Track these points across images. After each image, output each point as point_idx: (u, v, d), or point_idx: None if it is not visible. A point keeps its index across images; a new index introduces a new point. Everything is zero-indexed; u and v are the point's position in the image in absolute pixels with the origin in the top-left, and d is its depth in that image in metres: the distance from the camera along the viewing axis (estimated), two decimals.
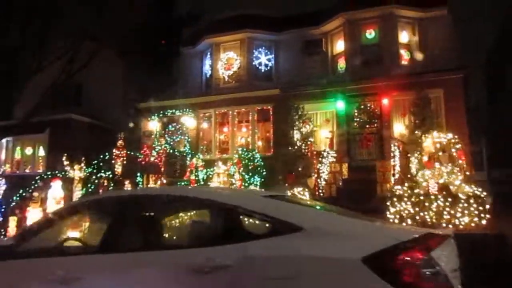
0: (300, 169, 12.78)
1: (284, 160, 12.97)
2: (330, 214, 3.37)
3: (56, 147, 17.75)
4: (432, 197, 9.31)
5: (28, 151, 19.28)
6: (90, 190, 12.30)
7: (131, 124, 16.80)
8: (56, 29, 16.77)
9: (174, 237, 3.60)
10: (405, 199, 9.53)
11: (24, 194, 12.31)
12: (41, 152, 18.84)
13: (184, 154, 15.22)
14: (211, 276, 2.93)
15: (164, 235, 3.63)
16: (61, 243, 3.94)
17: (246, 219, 3.21)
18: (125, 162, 15.48)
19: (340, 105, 14.80)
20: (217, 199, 3.27)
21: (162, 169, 13.85)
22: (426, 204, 9.11)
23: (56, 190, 13.17)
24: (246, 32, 17.93)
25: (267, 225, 3.11)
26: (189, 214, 3.73)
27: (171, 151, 14.81)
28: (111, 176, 13.17)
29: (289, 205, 3.41)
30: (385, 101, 14.22)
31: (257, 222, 3.17)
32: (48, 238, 4.06)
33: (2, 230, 11.61)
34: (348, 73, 16.19)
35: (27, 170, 18.97)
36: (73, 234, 4.31)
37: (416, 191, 9.57)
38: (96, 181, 12.67)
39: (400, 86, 14.16)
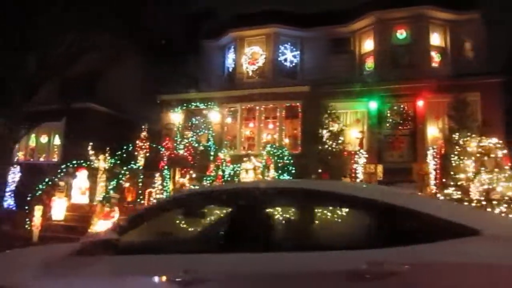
0: (331, 168, 12.46)
1: (318, 158, 12.61)
2: (506, 218, 3.02)
3: (73, 136, 17.30)
4: (485, 202, 9.00)
5: (43, 139, 18.80)
6: (118, 181, 11.86)
7: (153, 117, 16.35)
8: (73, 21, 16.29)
9: (320, 237, 3.21)
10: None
11: (50, 182, 11.87)
12: (57, 140, 18.37)
13: (209, 148, 14.83)
14: (374, 284, 2.57)
15: (307, 234, 3.25)
16: (173, 238, 3.56)
17: (409, 219, 2.84)
18: (147, 154, 15.10)
19: (372, 105, 14.47)
20: (377, 198, 2.90)
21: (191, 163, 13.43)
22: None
23: (81, 180, 12.78)
24: (273, 27, 17.57)
25: (437, 227, 2.74)
26: (333, 211, 3.35)
27: (196, 144, 14.40)
28: (140, 168, 12.74)
29: (454, 205, 3.05)
30: (420, 103, 13.90)
31: (423, 223, 2.81)
32: (152, 232, 3.69)
33: (27, 220, 11.18)
34: (377, 73, 15.86)
35: (41, 159, 18.50)
36: (182, 228, 3.94)
37: (469, 196, 9.24)
38: (125, 172, 12.23)
39: (436, 88, 13.86)
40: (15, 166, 15.83)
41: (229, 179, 13.57)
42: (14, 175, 14.97)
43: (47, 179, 12.00)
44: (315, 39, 17.71)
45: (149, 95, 17.56)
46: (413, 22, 15.93)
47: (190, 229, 4.20)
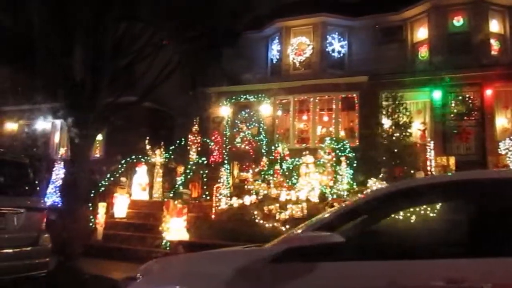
0: (402, 161, 11.90)
1: (384, 151, 12.04)
2: None
3: (114, 130, 16.84)
4: None
5: None
6: (187, 176, 11.37)
7: (200, 111, 15.84)
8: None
9: None
10: None
11: (112, 179, 11.42)
12: (99, 135, 17.88)
13: (262, 142, 14.32)
14: None
15: None
16: (414, 239, 3.03)
17: None
18: (199, 149, 14.65)
19: (436, 94, 13.85)
20: None
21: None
22: None
23: (141, 175, 12.33)
24: (321, 16, 16.98)
25: None
26: None
27: (255, 138, 13.90)
28: (205, 162, 12.24)
29: None
30: (488, 92, 13.26)
31: None
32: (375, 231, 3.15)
33: (91, 217, 10.74)
34: (432, 62, 15.22)
35: None
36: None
37: None
38: (194, 167, 11.74)
39: (503, 77, 13.21)
40: (59, 162, 15.47)
41: (287, 173, 13.05)
42: (58, 172, 14.60)
43: (108, 175, 11.54)
44: (364, 28, 17.10)
45: (194, 89, 17.05)
46: (471, 9, 15.24)
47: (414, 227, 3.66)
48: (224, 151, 13.33)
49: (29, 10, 8.08)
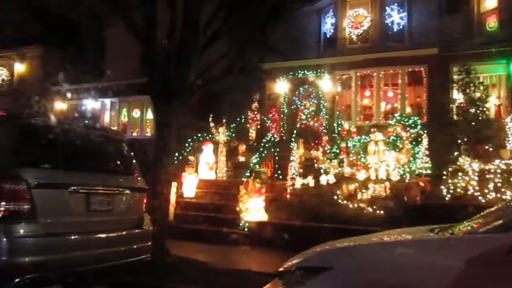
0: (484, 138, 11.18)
1: (466, 128, 11.33)
2: None
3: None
4: None
5: (136, 113, 18.11)
6: (261, 154, 10.92)
7: (255, 87, 15.29)
8: None
9: None
10: None
11: (180, 157, 11.05)
12: (149, 114, 17.62)
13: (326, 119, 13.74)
14: None
15: None
16: None
17: None
18: (259, 126, 14.19)
19: None
20: None
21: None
22: None
23: (208, 154, 11.96)
24: None
25: None
26: None
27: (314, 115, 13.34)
28: (274, 139, 11.76)
29: None
30: None
31: None
32: None
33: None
34: (503, 33, 14.25)
35: (134, 134, 17.85)
36: None
37: None
38: (264, 145, 11.27)
39: None
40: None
41: (354, 151, 12.48)
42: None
43: (176, 154, 11.16)
44: None
45: (249, 65, 16.47)
46: None
47: None
48: (290, 129, 12.78)
49: None
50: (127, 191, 5.63)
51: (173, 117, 7.52)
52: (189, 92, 7.67)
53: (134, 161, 6.09)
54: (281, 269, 3.49)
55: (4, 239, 4.27)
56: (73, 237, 4.81)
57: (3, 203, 4.35)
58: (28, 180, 4.41)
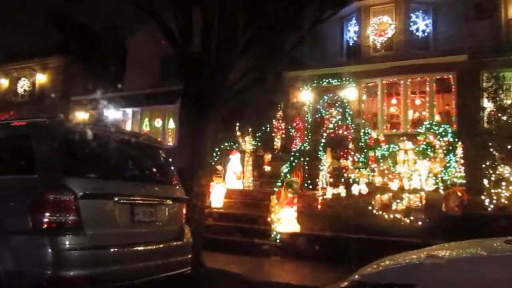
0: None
1: (498, 136, 11.01)
2: None
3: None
4: None
5: (157, 122, 18.05)
6: (292, 164, 10.70)
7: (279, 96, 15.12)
8: None
9: None
10: None
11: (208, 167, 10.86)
12: (171, 124, 17.54)
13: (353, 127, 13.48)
14: None
15: None
16: None
17: None
18: (283, 135, 14.00)
19: None
20: None
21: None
22: None
23: (235, 163, 11.79)
24: None
25: None
26: None
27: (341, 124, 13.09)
28: (304, 148, 11.55)
29: None
30: None
31: None
32: None
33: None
34: None
35: None
36: None
37: None
38: (297, 154, 11.05)
39: None
40: None
41: (383, 161, 12.21)
42: None
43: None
44: (450, 4, 15.92)
45: (273, 74, 16.35)
46: None
47: None
48: (316, 138, 12.56)
49: None
50: (169, 201, 5.46)
51: (209, 126, 7.36)
52: (225, 101, 7.50)
53: (173, 169, 5.91)
54: (345, 284, 3.28)
55: (50, 252, 4.11)
56: (118, 249, 4.63)
57: (48, 215, 4.19)
58: (75, 190, 4.25)
